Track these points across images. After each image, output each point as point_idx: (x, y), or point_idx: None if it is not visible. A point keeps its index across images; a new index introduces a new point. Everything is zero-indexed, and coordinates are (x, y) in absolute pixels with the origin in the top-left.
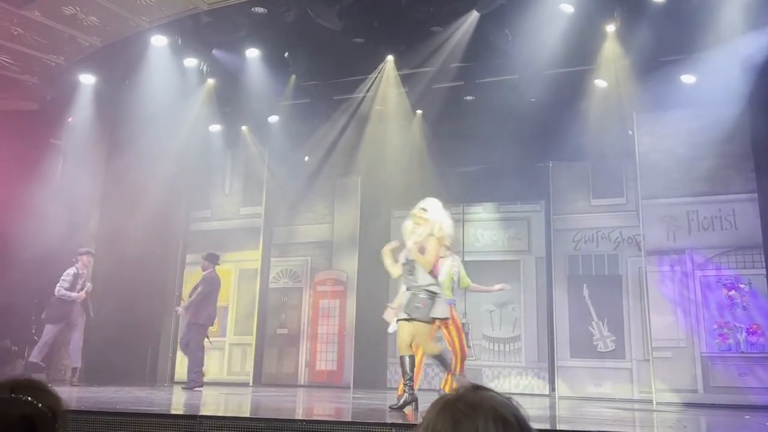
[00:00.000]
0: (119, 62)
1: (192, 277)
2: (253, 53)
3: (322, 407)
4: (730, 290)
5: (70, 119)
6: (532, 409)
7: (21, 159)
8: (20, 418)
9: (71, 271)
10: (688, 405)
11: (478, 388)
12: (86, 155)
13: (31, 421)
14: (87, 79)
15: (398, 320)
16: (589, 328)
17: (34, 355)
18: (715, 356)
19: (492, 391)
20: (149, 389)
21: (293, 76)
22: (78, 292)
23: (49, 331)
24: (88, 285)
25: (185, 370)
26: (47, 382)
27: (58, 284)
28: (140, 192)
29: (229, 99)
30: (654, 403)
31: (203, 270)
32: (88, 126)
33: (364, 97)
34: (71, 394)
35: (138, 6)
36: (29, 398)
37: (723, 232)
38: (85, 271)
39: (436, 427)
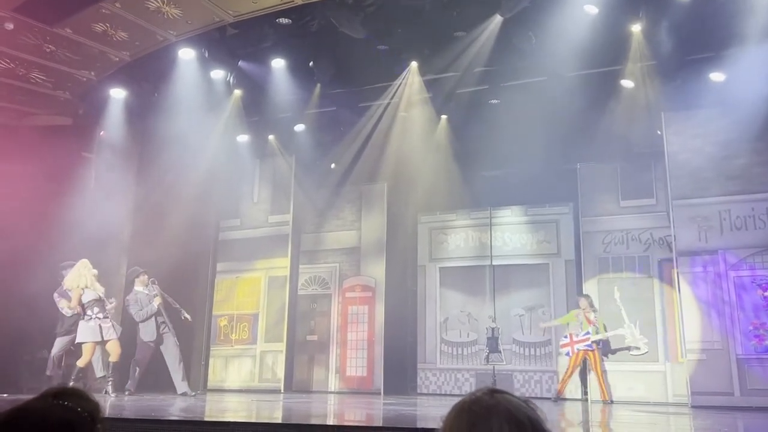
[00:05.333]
0: (148, 76)
1: (222, 285)
2: (278, 63)
3: (353, 413)
4: (765, 290)
5: (101, 133)
6: (564, 414)
7: (54, 173)
8: (61, 421)
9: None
10: (725, 408)
11: (495, 392)
12: (118, 168)
13: (71, 424)
14: (117, 93)
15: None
16: (621, 331)
17: (48, 368)
18: (751, 358)
19: (509, 394)
20: (183, 396)
21: (318, 85)
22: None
23: (57, 343)
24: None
25: (218, 377)
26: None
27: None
28: (171, 203)
29: (255, 109)
30: (689, 406)
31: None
32: (119, 139)
33: (389, 103)
34: (106, 403)
35: (165, 20)
36: (70, 404)
37: (756, 232)
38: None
39: (453, 430)
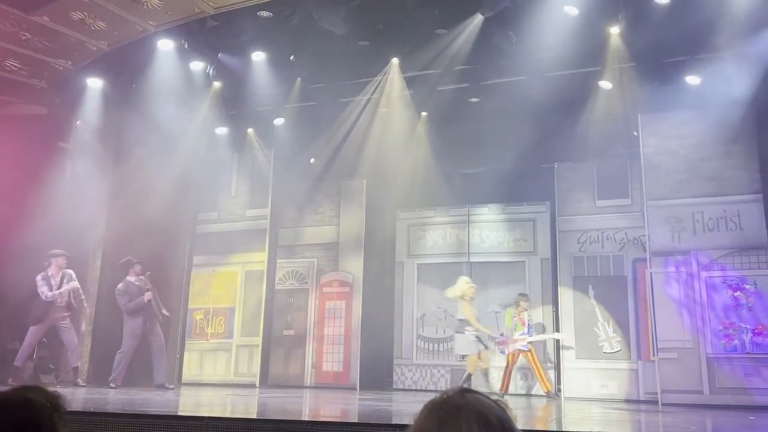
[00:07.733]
0: (126, 66)
1: (198, 278)
2: (258, 56)
3: (329, 409)
4: (735, 291)
5: (77, 123)
6: (535, 411)
7: (30, 162)
8: (20, 403)
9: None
10: (694, 406)
11: (465, 391)
12: (94, 158)
13: (30, 405)
14: (95, 83)
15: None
16: (595, 329)
17: (18, 359)
18: (720, 357)
19: (479, 393)
20: (157, 390)
21: (299, 79)
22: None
23: (31, 332)
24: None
25: (193, 371)
26: (55, 384)
27: (43, 288)
28: (147, 194)
29: (235, 102)
30: (659, 404)
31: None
32: (96, 129)
33: (369, 99)
34: (76, 395)
35: (145, 11)
36: (30, 394)
37: (728, 233)
38: (62, 272)
39: (423, 429)
